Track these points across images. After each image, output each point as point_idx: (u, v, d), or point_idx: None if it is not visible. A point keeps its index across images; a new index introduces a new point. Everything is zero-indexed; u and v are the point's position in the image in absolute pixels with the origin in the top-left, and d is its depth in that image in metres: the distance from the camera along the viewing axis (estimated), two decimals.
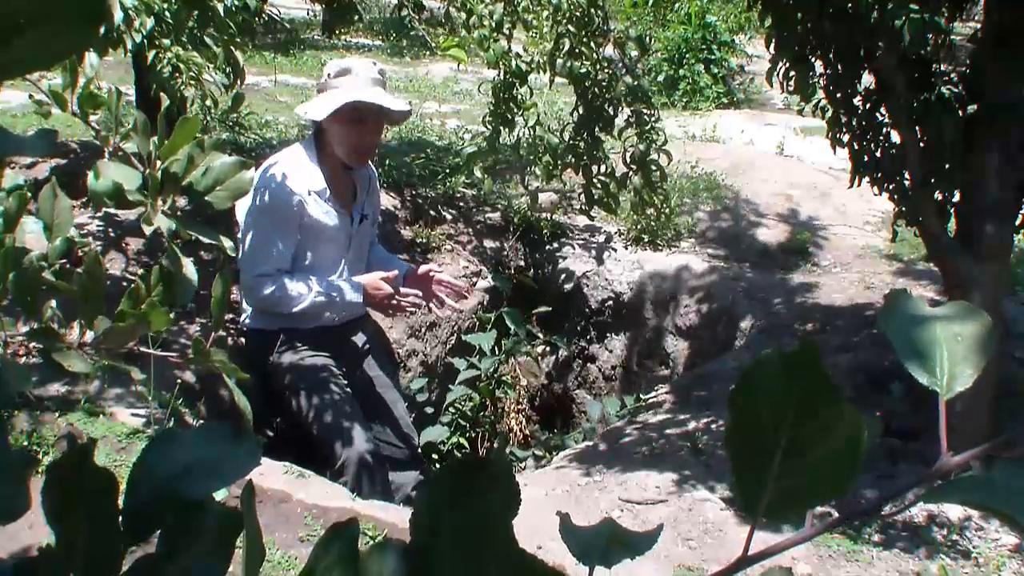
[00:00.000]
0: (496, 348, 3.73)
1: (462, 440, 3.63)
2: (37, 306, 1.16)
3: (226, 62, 3.09)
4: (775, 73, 2.85)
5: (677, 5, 9.64)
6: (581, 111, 3.99)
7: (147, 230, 1.25)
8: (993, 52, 2.64)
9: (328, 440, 2.69)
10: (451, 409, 3.72)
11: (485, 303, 4.25)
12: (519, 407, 4.00)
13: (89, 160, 3.82)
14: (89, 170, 1.24)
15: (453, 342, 4.07)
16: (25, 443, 2.29)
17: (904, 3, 2.38)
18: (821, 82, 2.84)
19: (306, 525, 2.29)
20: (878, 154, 2.87)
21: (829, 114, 2.91)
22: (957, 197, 2.81)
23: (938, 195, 2.82)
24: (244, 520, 0.50)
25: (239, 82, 3.23)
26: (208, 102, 3.16)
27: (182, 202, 1.28)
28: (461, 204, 4.69)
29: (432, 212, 4.50)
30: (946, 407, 0.52)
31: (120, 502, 0.50)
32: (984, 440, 0.49)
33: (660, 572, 2.32)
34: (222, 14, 2.97)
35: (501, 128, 4.03)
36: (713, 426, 3.08)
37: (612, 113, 3.98)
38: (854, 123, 2.86)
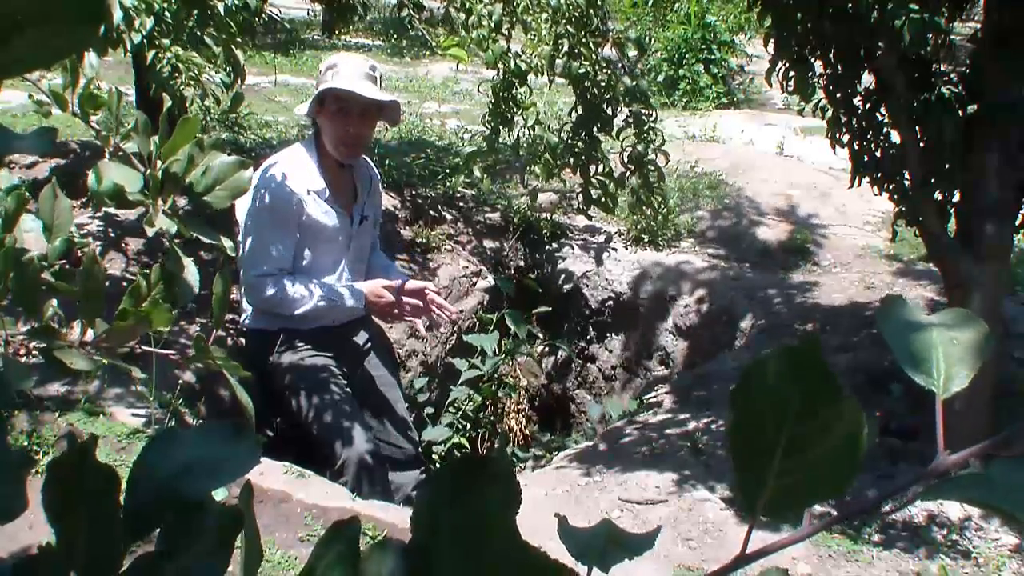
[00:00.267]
0: (497, 349, 3.73)
1: (462, 440, 3.63)
2: (37, 306, 1.16)
3: (226, 61, 3.09)
4: (775, 73, 2.85)
5: (677, 5, 9.63)
6: (580, 111, 3.99)
7: (149, 231, 1.25)
8: (993, 52, 2.64)
9: (328, 440, 2.69)
10: (452, 409, 3.72)
11: (485, 303, 4.25)
12: (519, 407, 4.00)
13: (89, 160, 3.82)
14: (89, 170, 1.24)
15: (453, 342, 4.07)
16: (25, 443, 2.29)
17: (904, 3, 2.38)
18: (821, 82, 2.84)
19: (306, 525, 2.29)
20: (878, 154, 2.87)
21: (829, 114, 2.91)
22: (957, 197, 2.81)
23: (938, 195, 2.82)
24: (244, 520, 0.50)
25: (239, 81, 3.23)
26: (208, 102, 3.15)
27: (182, 202, 1.28)
28: (461, 204, 4.69)
29: (432, 212, 4.50)
30: (945, 407, 0.52)
31: (120, 500, 0.50)
32: (983, 439, 0.49)
33: (660, 572, 2.32)
34: (222, 13, 2.97)
35: (500, 128, 4.03)
36: (713, 426, 3.08)
37: (611, 113, 3.98)
38: (854, 123, 2.86)
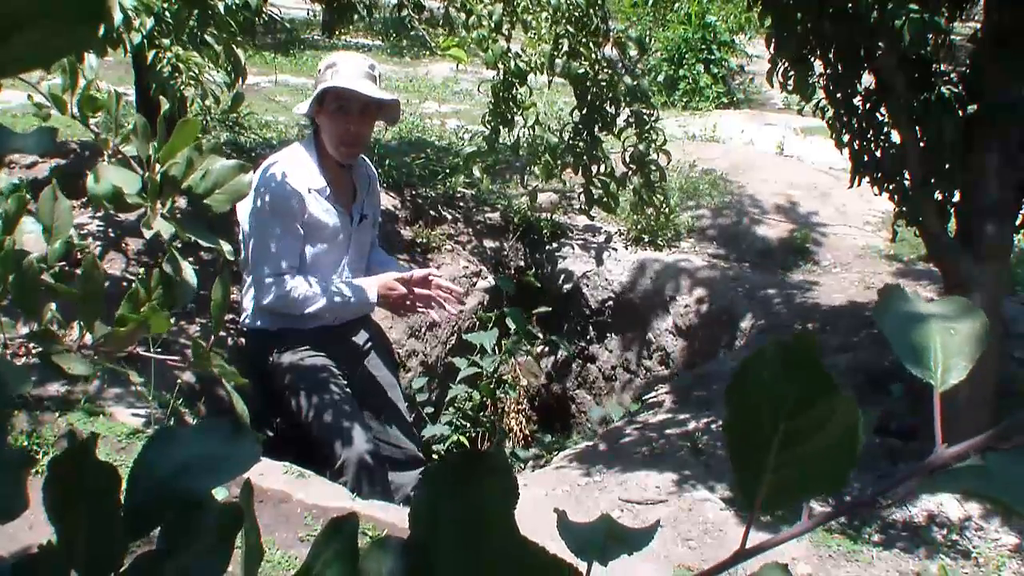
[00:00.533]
0: (497, 347, 3.73)
1: (462, 439, 3.63)
2: (37, 308, 1.16)
3: (227, 60, 3.08)
4: (775, 73, 2.85)
5: (677, 5, 9.63)
6: (581, 111, 3.99)
7: (147, 234, 1.25)
8: (993, 52, 2.64)
9: (328, 440, 2.69)
10: (451, 408, 3.72)
11: (485, 303, 4.25)
12: (519, 407, 4.00)
13: (89, 160, 3.82)
14: (89, 170, 1.24)
15: (453, 342, 4.07)
16: (25, 443, 2.29)
17: (904, 3, 2.38)
18: (821, 82, 2.84)
19: (306, 525, 2.29)
20: (878, 154, 2.87)
21: (829, 114, 2.91)
22: (957, 197, 2.81)
23: (938, 195, 2.82)
24: (244, 518, 0.50)
25: (240, 81, 3.23)
26: (208, 101, 3.15)
27: (181, 203, 1.28)
28: (461, 204, 4.69)
29: (432, 212, 4.50)
30: (946, 406, 0.52)
31: (121, 499, 0.50)
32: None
33: (660, 572, 2.32)
34: (222, 13, 2.97)
35: (501, 128, 4.03)
36: (713, 426, 3.08)
37: (612, 113, 3.98)
38: (854, 123, 2.86)
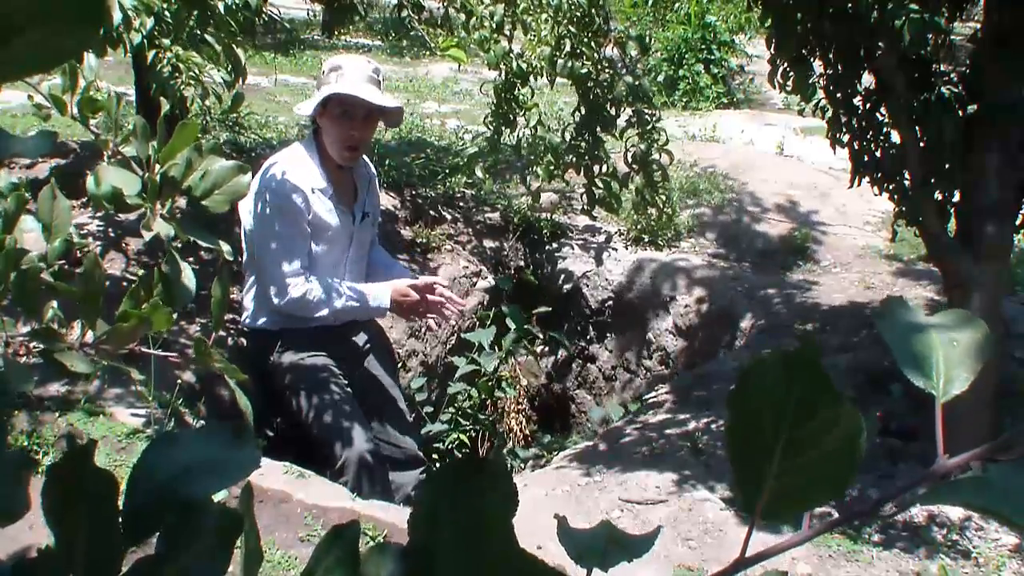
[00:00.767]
0: (496, 346, 3.73)
1: (463, 438, 3.63)
2: (38, 307, 1.16)
3: (227, 60, 3.08)
4: (775, 74, 2.85)
5: (677, 5, 9.63)
6: (582, 111, 3.99)
7: (147, 235, 1.25)
8: (993, 52, 2.64)
9: (328, 440, 2.69)
10: (451, 408, 3.72)
11: (485, 303, 4.25)
12: (519, 407, 4.00)
13: (89, 160, 3.82)
14: (89, 170, 1.24)
15: (453, 342, 4.07)
16: (25, 443, 2.29)
17: (904, 3, 2.38)
18: (821, 82, 2.83)
19: (306, 525, 2.29)
20: (878, 154, 2.86)
21: (829, 114, 2.91)
22: (957, 197, 2.81)
23: (938, 195, 2.82)
24: (244, 521, 0.50)
25: (241, 80, 3.22)
26: (208, 101, 3.15)
27: (181, 203, 1.28)
28: (461, 204, 4.69)
29: (432, 212, 4.50)
30: (945, 408, 0.52)
31: (120, 503, 0.50)
32: (984, 440, 0.49)
33: (660, 572, 2.32)
34: (222, 12, 2.97)
35: (503, 128, 4.03)
36: (713, 426, 3.08)
37: (613, 113, 3.98)
38: (854, 123, 2.86)
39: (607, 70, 3.88)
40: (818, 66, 2.81)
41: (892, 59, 2.60)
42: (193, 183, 1.22)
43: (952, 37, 2.80)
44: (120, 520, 0.49)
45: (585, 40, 3.79)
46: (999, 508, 0.41)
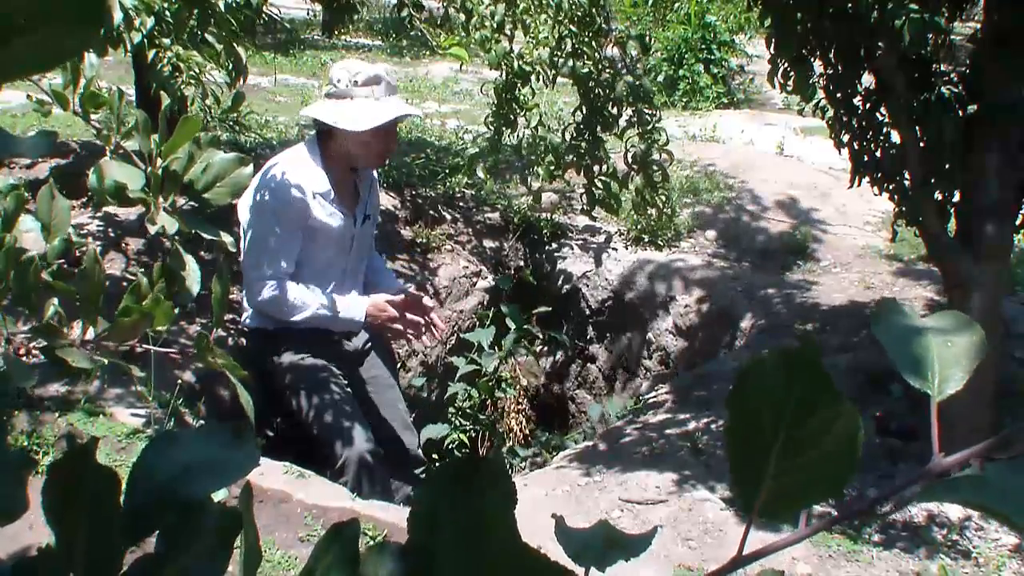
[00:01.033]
0: (496, 346, 3.73)
1: (463, 438, 3.64)
2: (38, 305, 1.16)
3: (228, 59, 3.08)
4: (775, 73, 2.85)
5: (677, 5, 9.63)
6: (583, 111, 3.99)
7: (151, 229, 1.25)
8: (993, 52, 2.64)
9: (328, 440, 2.69)
10: (451, 408, 3.72)
11: (485, 303, 4.25)
12: (519, 407, 4.00)
13: (89, 160, 3.82)
14: (89, 170, 1.25)
15: (453, 342, 4.07)
16: (25, 443, 2.29)
17: (904, 3, 2.38)
18: (821, 82, 2.83)
19: (306, 525, 2.29)
20: (878, 154, 2.87)
21: (829, 114, 2.91)
22: (957, 197, 2.81)
23: (938, 195, 2.82)
24: (243, 521, 0.50)
25: (242, 79, 3.22)
26: (208, 101, 3.15)
27: (181, 202, 1.28)
28: (461, 204, 4.69)
29: (432, 212, 4.50)
30: (946, 407, 0.53)
31: (120, 502, 0.50)
32: (984, 440, 0.49)
33: (660, 572, 2.32)
34: (223, 11, 2.97)
35: (503, 128, 4.03)
36: (713, 426, 3.08)
37: (614, 113, 3.98)
38: (854, 123, 2.86)
39: (608, 70, 3.88)
40: (818, 66, 2.81)
41: (892, 59, 2.60)
42: (194, 176, 1.22)
43: (952, 37, 2.80)
44: (120, 519, 0.49)
45: (586, 40, 3.79)
46: (996, 506, 0.41)
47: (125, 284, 3.01)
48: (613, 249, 4.60)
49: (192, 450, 0.53)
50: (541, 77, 3.84)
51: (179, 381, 2.77)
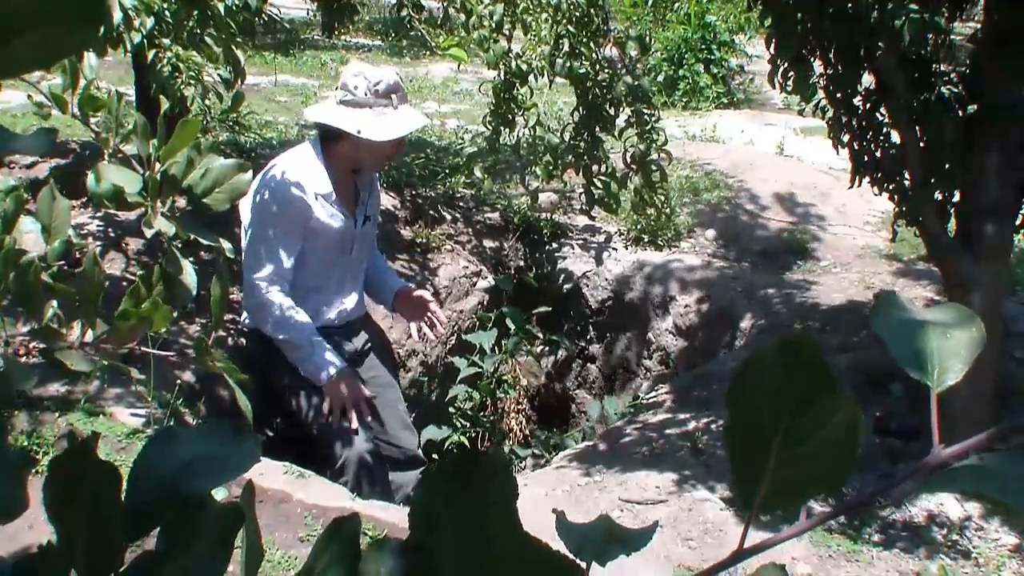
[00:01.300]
0: (497, 347, 3.73)
1: (463, 439, 3.64)
2: (37, 307, 1.16)
3: (227, 61, 3.08)
4: (775, 73, 2.85)
5: (677, 5, 9.63)
6: (581, 111, 3.99)
7: (148, 233, 1.25)
8: (993, 52, 2.64)
9: (328, 440, 2.69)
10: (451, 408, 3.72)
11: (485, 303, 4.25)
12: (519, 407, 4.00)
13: (90, 159, 3.82)
14: (89, 170, 1.25)
15: (453, 342, 4.07)
16: (25, 443, 2.29)
17: (904, 3, 2.38)
18: (821, 82, 2.84)
19: (306, 525, 2.29)
20: (878, 154, 2.87)
21: (829, 114, 2.91)
22: (957, 197, 2.81)
23: (938, 195, 2.82)
24: (244, 518, 0.50)
25: (240, 81, 3.22)
26: (208, 101, 3.15)
27: (181, 202, 1.28)
28: (461, 204, 4.69)
29: (432, 212, 4.50)
30: (946, 406, 0.53)
31: (121, 499, 0.50)
32: None
33: (660, 572, 2.32)
34: (222, 13, 2.97)
35: (501, 128, 4.03)
36: (713, 426, 3.08)
37: (612, 113, 3.99)
38: (854, 123, 2.86)
39: (606, 70, 3.88)
40: (818, 66, 2.81)
41: (892, 59, 2.60)
42: (193, 181, 1.22)
43: (952, 37, 2.80)
44: (121, 516, 0.49)
45: (584, 40, 3.79)
46: (997, 495, 0.41)
47: (125, 284, 3.01)
48: (613, 249, 4.60)
49: (193, 447, 0.53)
50: (539, 76, 3.84)
51: (179, 381, 2.77)
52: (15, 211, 1.19)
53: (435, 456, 3.58)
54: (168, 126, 1.25)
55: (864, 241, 4.68)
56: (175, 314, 1.18)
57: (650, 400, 3.68)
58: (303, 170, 2.69)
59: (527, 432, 4.02)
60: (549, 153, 3.95)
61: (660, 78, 8.63)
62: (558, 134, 4.08)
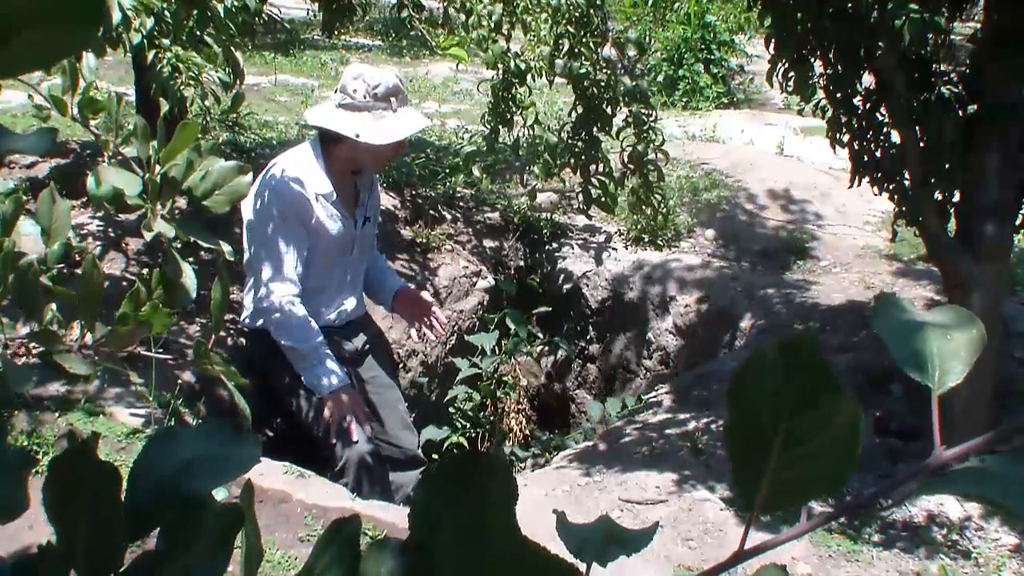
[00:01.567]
0: (497, 348, 3.73)
1: (462, 439, 3.64)
2: (37, 309, 1.16)
3: (226, 62, 3.08)
4: (775, 74, 2.85)
5: (676, 5, 9.63)
6: (580, 111, 3.99)
7: (147, 235, 1.25)
8: (993, 52, 2.64)
9: (328, 441, 2.69)
10: (451, 409, 3.72)
11: (485, 303, 4.25)
12: (519, 407, 4.00)
13: (90, 160, 3.82)
14: (90, 170, 1.25)
15: (453, 342, 4.07)
16: (25, 443, 2.29)
17: (904, 3, 2.38)
18: (821, 82, 2.84)
19: (306, 525, 2.29)
20: (878, 154, 2.87)
21: (829, 114, 2.91)
22: (957, 197, 2.81)
23: (938, 195, 2.82)
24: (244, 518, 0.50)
25: (239, 82, 3.22)
26: (208, 101, 3.15)
27: (181, 203, 1.28)
28: (461, 204, 4.69)
29: (432, 212, 4.50)
30: (946, 406, 0.53)
31: (121, 499, 0.50)
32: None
33: (660, 572, 2.32)
34: (222, 14, 2.97)
35: (500, 128, 4.04)
36: (713, 426, 3.08)
37: (611, 113, 3.99)
38: (854, 123, 2.86)
39: (605, 70, 3.88)
40: (818, 66, 2.81)
41: (892, 59, 2.60)
42: (193, 183, 1.22)
43: (952, 37, 2.80)
44: (121, 516, 0.49)
45: (583, 40, 3.79)
46: (998, 497, 0.41)
47: (125, 284, 3.01)
48: (613, 249, 4.60)
49: (193, 447, 0.53)
50: (539, 76, 3.84)
51: (179, 381, 2.77)
52: (14, 213, 1.19)
53: (435, 456, 3.58)
54: (168, 128, 1.25)
55: (864, 241, 4.68)
56: (174, 315, 1.18)
57: (650, 400, 3.68)
58: (303, 170, 2.69)
59: (527, 432, 4.02)
60: (548, 152, 3.95)
61: (660, 78, 8.63)
62: (557, 133, 4.08)
